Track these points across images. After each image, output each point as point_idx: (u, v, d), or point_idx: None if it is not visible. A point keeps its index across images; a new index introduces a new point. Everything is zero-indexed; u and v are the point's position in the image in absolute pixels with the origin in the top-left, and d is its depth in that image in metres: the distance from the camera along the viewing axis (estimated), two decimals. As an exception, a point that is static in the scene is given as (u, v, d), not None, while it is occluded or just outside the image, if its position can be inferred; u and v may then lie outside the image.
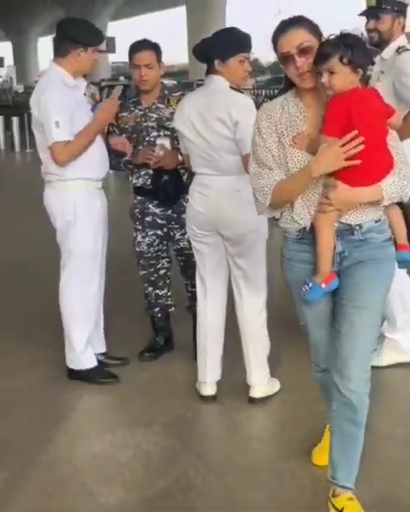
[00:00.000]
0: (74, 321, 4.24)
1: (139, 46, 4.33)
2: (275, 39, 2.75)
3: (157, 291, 4.60)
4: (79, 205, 4.11)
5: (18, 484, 3.24)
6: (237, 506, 3.04)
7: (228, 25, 34.72)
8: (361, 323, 2.76)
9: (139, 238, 4.51)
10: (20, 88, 44.05)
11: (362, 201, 2.68)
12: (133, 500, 3.09)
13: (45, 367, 4.50)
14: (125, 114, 4.43)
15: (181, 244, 4.44)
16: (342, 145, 2.57)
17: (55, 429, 3.75)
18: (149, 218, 4.47)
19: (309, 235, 2.76)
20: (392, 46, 4.05)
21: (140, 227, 4.50)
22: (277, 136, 2.75)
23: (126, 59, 4.46)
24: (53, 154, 4.01)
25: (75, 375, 4.30)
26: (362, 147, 2.56)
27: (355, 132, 2.55)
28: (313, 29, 2.72)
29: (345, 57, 2.54)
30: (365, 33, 2.72)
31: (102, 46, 4.38)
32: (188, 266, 4.33)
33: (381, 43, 4.06)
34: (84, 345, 4.25)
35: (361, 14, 4.05)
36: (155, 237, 4.50)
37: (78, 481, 3.25)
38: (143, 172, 4.41)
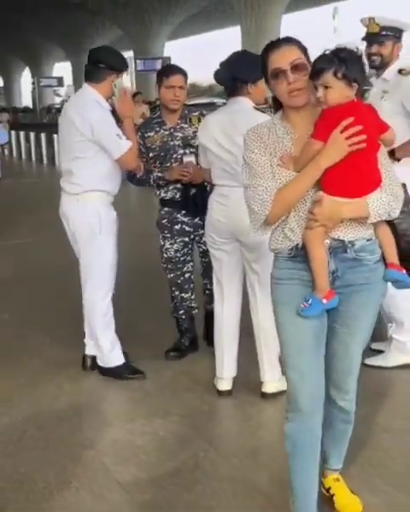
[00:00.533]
0: (98, 325, 4.58)
1: (174, 70, 4.78)
2: (265, 56, 2.71)
3: (183, 294, 4.96)
4: (103, 215, 4.43)
5: (46, 461, 3.61)
6: (239, 483, 3.35)
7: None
8: (355, 347, 2.88)
9: (167, 245, 4.88)
10: (78, 107, 44.89)
11: (347, 216, 2.64)
12: (144, 477, 3.43)
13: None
14: (152, 135, 4.80)
15: (205, 246, 4.74)
16: (341, 132, 2.54)
17: (82, 418, 4.12)
18: (177, 226, 4.84)
19: (302, 252, 2.71)
20: (392, 68, 4.37)
21: (169, 235, 4.87)
22: (268, 155, 2.72)
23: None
24: (126, 161, 4.35)
25: (105, 371, 4.65)
26: (364, 137, 2.55)
27: (351, 119, 2.54)
28: (304, 50, 2.72)
29: (339, 72, 2.53)
30: (360, 47, 2.75)
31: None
32: (210, 267, 4.54)
33: (382, 66, 4.39)
34: (111, 344, 4.59)
35: (364, 40, 4.36)
36: (182, 244, 4.88)
37: (97, 461, 3.60)
38: (171, 187, 4.80)
